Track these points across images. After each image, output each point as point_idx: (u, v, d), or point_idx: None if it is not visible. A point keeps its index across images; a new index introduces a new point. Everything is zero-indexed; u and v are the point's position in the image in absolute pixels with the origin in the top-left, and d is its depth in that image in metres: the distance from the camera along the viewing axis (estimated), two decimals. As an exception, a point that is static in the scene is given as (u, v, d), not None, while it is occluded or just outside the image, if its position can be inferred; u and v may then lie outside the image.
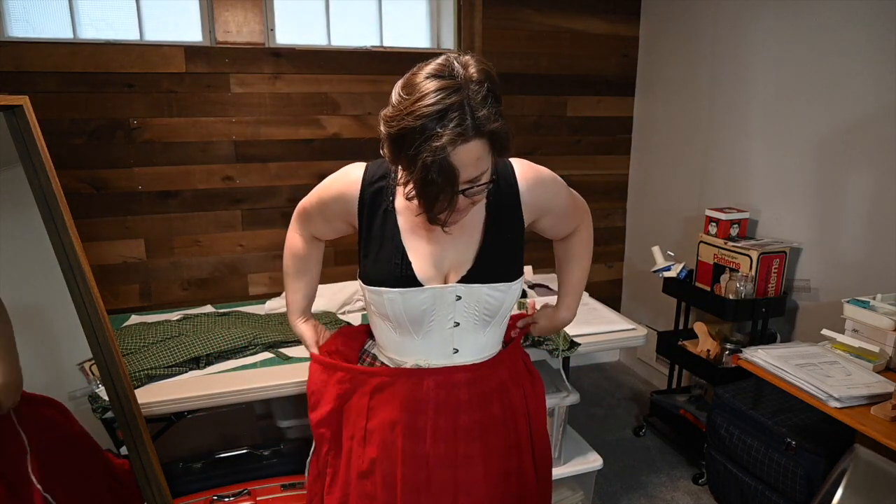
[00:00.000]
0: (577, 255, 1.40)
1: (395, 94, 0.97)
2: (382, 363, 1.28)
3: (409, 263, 1.13)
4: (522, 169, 1.20)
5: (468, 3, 2.86)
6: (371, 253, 1.16)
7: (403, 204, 1.13)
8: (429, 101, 0.91)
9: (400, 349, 1.22)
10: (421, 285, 1.13)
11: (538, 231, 1.32)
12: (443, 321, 1.18)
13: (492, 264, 1.17)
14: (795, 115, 2.40)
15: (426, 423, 1.20)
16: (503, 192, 1.17)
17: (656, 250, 2.76)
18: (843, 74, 2.20)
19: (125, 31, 2.50)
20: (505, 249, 1.19)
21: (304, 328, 1.42)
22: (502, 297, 1.18)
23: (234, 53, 2.57)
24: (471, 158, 0.95)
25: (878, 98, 2.09)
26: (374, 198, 1.16)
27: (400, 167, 1.00)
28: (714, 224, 2.52)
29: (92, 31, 2.47)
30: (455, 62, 0.96)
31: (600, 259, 3.46)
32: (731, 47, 2.68)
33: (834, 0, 2.21)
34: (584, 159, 3.27)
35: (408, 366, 1.22)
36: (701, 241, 2.57)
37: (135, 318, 2.21)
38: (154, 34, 2.53)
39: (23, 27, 2.38)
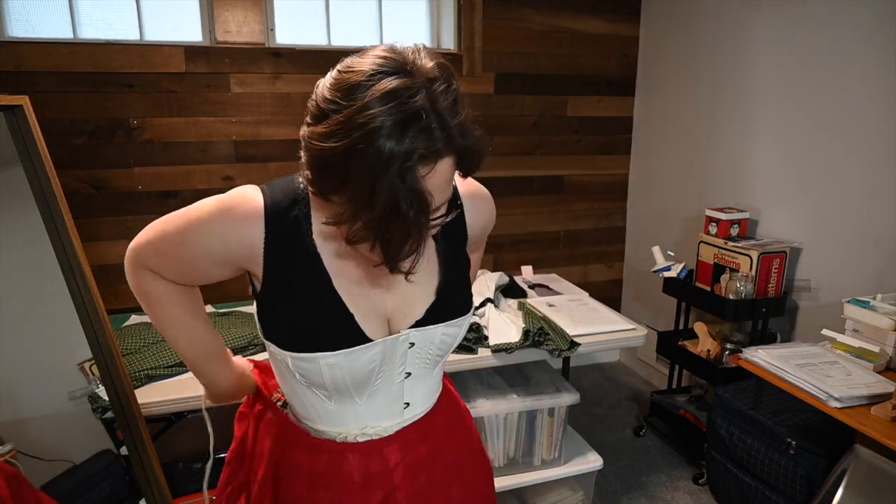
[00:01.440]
0: None
1: (323, 98, 0.73)
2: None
3: (352, 317, 0.86)
4: (461, 180, 0.94)
5: (468, 3, 2.86)
6: (290, 311, 0.86)
7: (323, 238, 0.86)
8: (380, 107, 0.68)
9: (334, 418, 0.94)
10: (369, 340, 0.87)
11: None
12: (392, 376, 0.93)
13: (451, 300, 0.95)
14: (796, 114, 2.40)
15: (396, 491, 0.97)
16: (448, 210, 0.84)
17: (656, 250, 2.76)
18: (844, 74, 2.20)
19: (125, 31, 2.50)
20: (461, 279, 0.98)
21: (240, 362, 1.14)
22: (458, 332, 0.97)
23: (234, 53, 2.56)
24: (441, 182, 0.73)
25: (879, 98, 2.08)
26: (289, 235, 0.84)
27: (332, 201, 0.75)
28: (714, 224, 2.52)
29: (92, 31, 2.47)
30: (405, 53, 0.73)
31: (600, 259, 3.46)
32: (731, 47, 2.68)
33: (834, 0, 2.21)
34: (584, 159, 3.27)
35: (353, 439, 0.95)
36: (701, 241, 2.57)
37: (135, 318, 2.21)
38: (154, 34, 2.53)
39: (23, 27, 2.38)
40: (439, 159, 0.72)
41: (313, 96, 0.76)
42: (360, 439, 0.95)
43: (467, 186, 0.97)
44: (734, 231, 2.50)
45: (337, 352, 0.85)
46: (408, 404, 0.98)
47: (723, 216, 2.49)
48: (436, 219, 0.75)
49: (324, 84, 0.75)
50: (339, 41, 2.77)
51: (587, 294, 2.44)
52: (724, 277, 2.45)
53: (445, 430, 1.05)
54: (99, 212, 2.53)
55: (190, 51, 2.51)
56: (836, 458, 1.70)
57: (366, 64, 0.72)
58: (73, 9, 2.42)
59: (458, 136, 0.72)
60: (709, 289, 2.53)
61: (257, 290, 0.89)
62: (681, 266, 2.69)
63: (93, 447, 1.64)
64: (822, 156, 2.30)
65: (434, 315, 0.93)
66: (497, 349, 1.88)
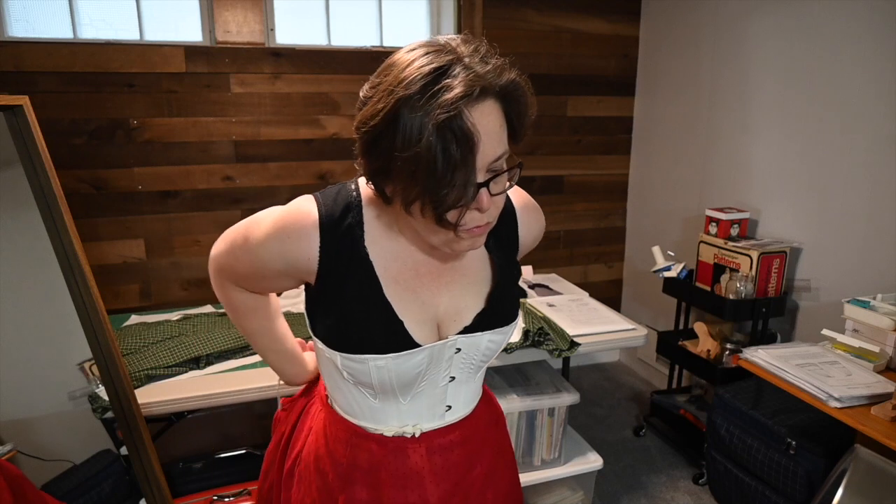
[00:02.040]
0: None
1: (364, 92, 0.78)
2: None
3: (401, 323, 0.88)
4: (512, 190, 0.97)
5: (468, 3, 2.86)
6: (342, 315, 0.88)
7: (376, 244, 0.88)
8: (419, 64, 0.72)
9: (377, 415, 0.97)
10: (418, 346, 0.89)
11: None
12: (437, 379, 0.96)
13: (500, 308, 0.97)
14: (796, 114, 2.40)
15: (425, 499, 0.98)
16: (501, 218, 0.88)
17: (656, 250, 2.76)
18: (844, 74, 2.20)
19: (125, 31, 2.50)
20: (511, 288, 1.00)
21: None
22: (503, 339, 0.99)
23: (234, 53, 2.57)
24: (490, 124, 0.74)
25: (879, 98, 2.08)
26: (342, 243, 0.87)
27: (392, 170, 0.75)
28: (714, 224, 2.52)
29: (92, 31, 2.47)
30: (438, 39, 0.78)
31: (600, 259, 3.46)
32: (731, 47, 2.68)
33: (834, 0, 2.21)
34: (584, 159, 3.27)
35: (388, 434, 0.97)
36: (701, 241, 2.57)
37: (135, 318, 2.21)
38: (154, 34, 2.53)
39: (23, 27, 2.38)
40: (481, 100, 0.73)
41: (358, 100, 0.80)
42: (397, 435, 0.98)
43: (520, 197, 1.01)
44: (734, 231, 2.50)
45: (384, 355, 0.88)
46: (449, 407, 1.00)
47: (723, 216, 2.49)
48: (488, 178, 0.76)
49: (367, 84, 0.79)
50: (339, 41, 2.77)
51: (587, 294, 2.44)
52: (724, 277, 2.45)
53: (483, 435, 1.07)
54: (99, 212, 2.53)
55: (190, 51, 2.51)
56: (836, 458, 1.70)
57: (400, 52, 0.77)
58: (73, 9, 2.42)
59: (496, 74, 0.75)
60: (709, 289, 2.53)
61: (310, 289, 0.92)
62: (681, 266, 2.69)
63: (93, 447, 1.64)
64: (822, 155, 2.31)
65: (482, 322, 0.94)
66: (497, 349, 1.87)
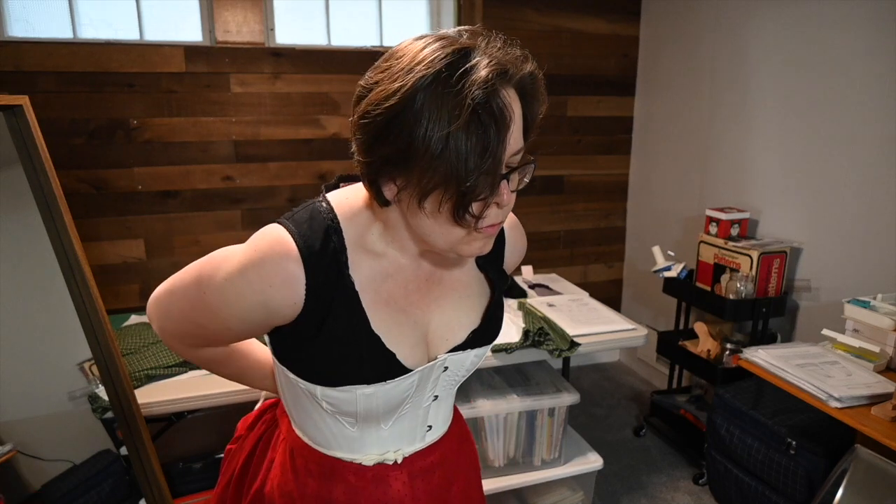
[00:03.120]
0: None
1: (367, 77, 0.71)
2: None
3: (393, 355, 0.81)
4: None
5: (468, 3, 2.87)
6: (322, 352, 0.80)
7: (361, 267, 0.80)
8: (438, 45, 0.67)
9: (353, 445, 0.89)
10: (408, 371, 0.83)
11: None
12: (420, 400, 0.90)
13: (496, 324, 0.93)
14: (796, 114, 2.40)
15: None
16: None
17: (656, 250, 2.76)
18: (844, 75, 2.20)
19: (125, 31, 2.50)
20: (501, 305, 0.96)
21: None
22: (485, 352, 0.94)
23: (234, 53, 2.57)
24: (516, 112, 0.69)
25: (879, 98, 2.08)
26: (327, 275, 0.77)
27: (412, 156, 0.67)
28: (714, 224, 2.52)
29: (92, 30, 2.47)
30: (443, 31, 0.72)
31: (600, 259, 3.46)
32: (731, 47, 2.68)
33: (833, 1, 2.21)
34: (584, 159, 3.27)
35: (367, 463, 0.90)
36: (701, 241, 2.57)
37: (135, 318, 2.21)
38: (154, 34, 2.53)
39: (23, 27, 2.38)
40: (507, 85, 0.68)
41: (357, 91, 0.73)
42: (378, 463, 0.91)
43: (510, 218, 0.95)
44: (734, 231, 2.50)
45: (373, 385, 0.81)
46: (430, 427, 0.95)
47: (723, 216, 2.49)
48: (508, 171, 0.71)
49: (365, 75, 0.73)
50: (339, 41, 2.77)
51: (587, 294, 2.44)
52: (725, 277, 2.45)
53: (457, 451, 1.03)
54: (99, 212, 2.53)
55: (190, 51, 2.51)
56: (836, 458, 1.70)
57: (405, 42, 0.71)
58: (72, 9, 2.42)
59: (519, 63, 0.70)
60: (709, 289, 2.53)
61: (281, 326, 0.81)
62: (681, 266, 2.69)
63: (93, 447, 1.64)
64: (822, 156, 2.30)
65: (475, 339, 0.89)
66: (497, 349, 1.88)
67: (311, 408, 0.88)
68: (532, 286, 2.54)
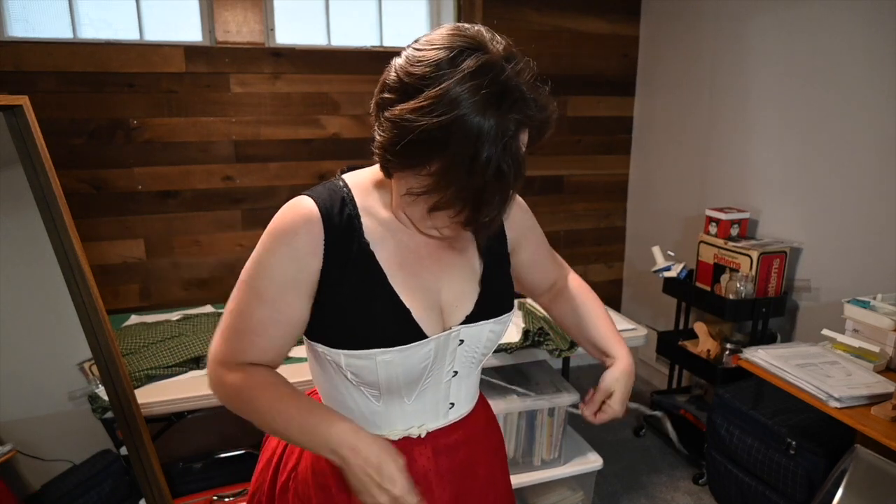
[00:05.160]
0: (584, 298, 1.15)
1: (408, 73, 0.76)
2: None
3: (409, 312, 0.87)
4: None
5: (468, 3, 2.86)
6: (344, 310, 0.86)
7: (374, 234, 0.87)
8: (475, 81, 0.72)
9: (380, 420, 0.93)
10: (425, 337, 0.88)
11: (519, 274, 1.09)
12: (440, 374, 0.93)
13: (496, 293, 0.97)
14: (796, 114, 2.39)
15: (437, 494, 0.96)
16: None
17: (656, 250, 2.76)
18: (844, 74, 2.20)
19: (125, 31, 2.50)
20: (503, 275, 1.00)
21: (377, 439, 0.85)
22: (502, 329, 0.98)
23: (234, 53, 2.57)
24: (523, 150, 0.78)
25: (879, 98, 2.08)
26: (343, 236, 0.85)
27: (417, 174, 0.77)
28: (714, 224, 2.52)
29: (92, 30, 2.47)
30: (477, 34, 0.77)
31: (600, 259, 3.46)
32: (731, 47, 2.68)
33: (833, 1, 2.21)
34: (584, 159, 3.27)
35: (393, 438, 0.94)
36: (701, 241, 2.57)
37: (135, 318, 2.21)
38: (154, 34, 2.53)
39: (23, 27, 2.38)
40: (527, 129, 0.76)
41: (392, 73, 0.78)
42: (403, 437, 0.95)
43: None
44: (734, 231, 2.50)
45: (392, 349, 0.85)
46: (453, 405, 0.98)
47: (723, 216, 2.49)
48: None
49: (403, 62, 0.77)
50: (339, 41, 2.77)
51: (587, 294, 2.44)
52: (724, 277, 2.45)
53: (483, 435, 1.06)
54: (99, 212, 2.53)
55: (190, 51, 2.51)
56: (836, 458, 1.70)
57: (445, 41, 0.75)
58: (72, 9, 2.42)
59: (540, 108, 0.76)
60: (709, 289, 2.53)
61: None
62: (681, 266, 2.69)
63: (93, 447, 1.64)
64: (822, 155, 2.30)
65: (483, 309, 0.94)
66: (497, 349, 1.88)
67: (339, 382, 0.92)
68: (532, 286, 2.54)
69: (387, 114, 0.76)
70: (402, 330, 0.86)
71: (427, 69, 0.74)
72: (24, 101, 1.39)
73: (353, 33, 2.80)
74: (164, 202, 2.61)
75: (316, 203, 0.85)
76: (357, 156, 2.82)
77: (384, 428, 0.94)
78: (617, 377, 1.04)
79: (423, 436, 0.96)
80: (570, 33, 3.07)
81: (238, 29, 2.56)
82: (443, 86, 0.72)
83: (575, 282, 1.17)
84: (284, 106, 2.68)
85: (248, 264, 0.87)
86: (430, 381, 0.93)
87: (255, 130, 2.66)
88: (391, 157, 0.78)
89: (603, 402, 1.04)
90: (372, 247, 0.86)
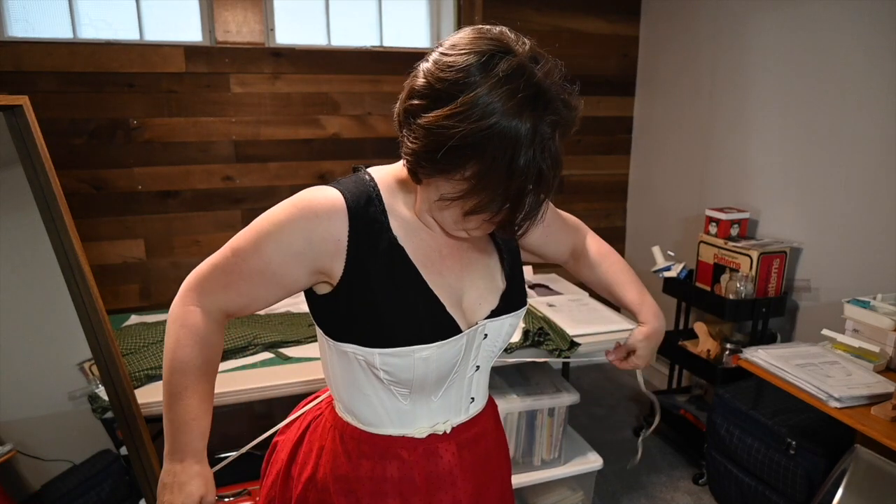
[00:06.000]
0: (607, 266, 1.15)
1: (438, 79, 0.74)
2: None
3: (443, 307, 0.87)
4: None
5: (468, 3, 2.86)
6: (379, 308, 0.84)
7: (402, 231, 0.87)
8: (509, 85, 0.71)
9: (405, 419, 0.94)
10: (460, 331, 0.88)
11: (534, 251, 1.12)
12: (465, 369, 0.95)
13: (516, 288, 0.98)
14: (796, 114, 2.40)
15: (458, 499, 0.97)
16: None
17: (656, 250, 2.76)
18: (844, 74, 2.20)
19: (125, 31, 2.50)
20: (518, 270, 1.01)
21: (201, 473, 0.93)
22: (517, 322, 0.99)
23: (234, 53, 2.56)
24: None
25: (879, 98, 2.08)
26: (370, 231, 0.84)
27: (451, 179, 0.76)
28: (714, 224, 2.52)
29: (92, 30, 2.47)
30: (502, 35, 0.77)
31: (600, 259, 3.45)
32: (731, 47, 2.68)
33: (833, 1, 2.21)
34: (584, 159, 3.27)
35: (420, 436, 0.95)
36: (701, 241, 2.57)
37: (135, 318, 2.21)
38: (154, 34, 2.53)
39: (23, 27, 2.38)
40: (560, 128, 0.76)
41: (420, 79, 0.77)
42: (429, 434, 0.96)
43: None
44: (734, 231, 2.50)
45: (431, 344, 0.85)
46: (473, 399, 1.00)
47: (723, 216, 2.49)
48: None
49: (431, 67, 0.76)
50: (339, 41, 2.77)
51: (587, 294, 2.44)
52: (724, 277, 2.45)
53: (494, 430, 1.08)
54: (99, 212, 2.53)
55: (190, 51, 2.51)
56: (836, 458, 1.70)
57: (473, 45, 0.75)
58: (72, 9, 2.42)
59: (570, 108, 0.76)
60: (709, 289, 2.53)
61: (324, 291, 0.87)
62: (681, 266, 2.69)
63: (93, 447, 1.64)
64: (822, 155, 2.30)
65: (506, 304, 0.95)
66: (497, 349, 1.87)
67: (365, 383, 0.91)
68: (532, 286, 2.54)
69: (420, 121, 0.75)
70: (440, 325, 0.87)
71: (459, 74, 0.73)
72: (24, 101, 1.39)
73: (353, 33, 2.80)
74: (164, 202, 2.61)
75: (344, 196, 0.84)
76: (357, 156, 2.82)
77: (410, 427, 0.94)
78: (640, 339, 1.12)
79: (448, 431, 0.97)
80: (570, 33, 3.07)
81: (238, 29, 2.56)
82: (477, 91, 0.71)
83: (594, 245, 1.17)
84: (284, 106, 2.68)
85: (264, 218, 0.85)
86: (457, 377, 0.94)
87: (255, 130, 2.66)
88: (426, 163, 0.77)
89: (629, 354, 1.14)
90: (401, 242, 0.86)
